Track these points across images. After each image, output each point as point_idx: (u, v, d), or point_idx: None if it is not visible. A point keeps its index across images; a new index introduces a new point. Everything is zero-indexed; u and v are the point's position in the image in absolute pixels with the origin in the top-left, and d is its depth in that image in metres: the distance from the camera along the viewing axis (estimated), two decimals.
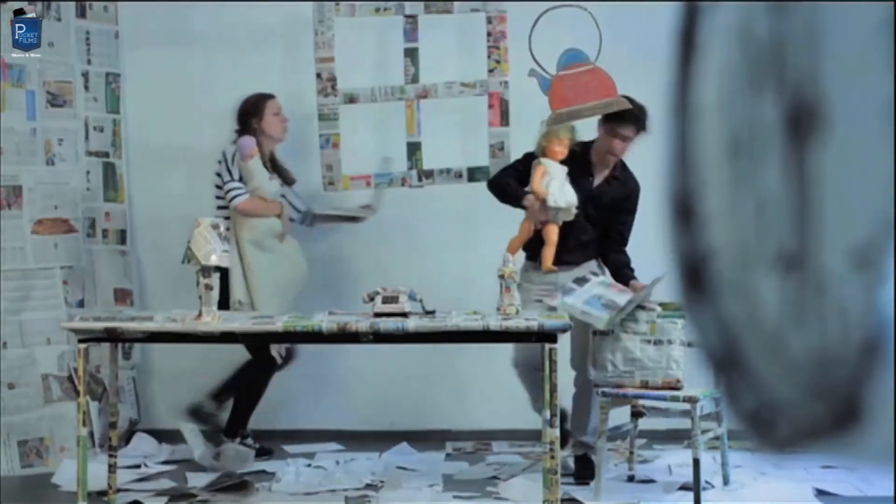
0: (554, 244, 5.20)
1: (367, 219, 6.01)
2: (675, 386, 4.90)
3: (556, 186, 5.17)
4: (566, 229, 5.25)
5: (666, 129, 0.87)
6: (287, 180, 5.85)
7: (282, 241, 5.70)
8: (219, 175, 5.65)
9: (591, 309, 5.00)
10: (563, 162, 5.23)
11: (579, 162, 5.30)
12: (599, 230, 5.38)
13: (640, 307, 5.01)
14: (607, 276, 5.26)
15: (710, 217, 0.84)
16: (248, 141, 5.58)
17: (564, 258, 5.26)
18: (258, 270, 5.56)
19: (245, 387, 5.74)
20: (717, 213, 0.84)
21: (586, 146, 5.36)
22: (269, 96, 5.76)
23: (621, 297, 5.03)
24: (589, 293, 5.08)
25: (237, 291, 5.53)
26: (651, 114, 5.11)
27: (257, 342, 5.21)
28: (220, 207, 5.64)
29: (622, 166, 5.38)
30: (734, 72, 0.82)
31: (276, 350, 5.68)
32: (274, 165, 5.78)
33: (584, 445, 5.34)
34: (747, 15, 0.81)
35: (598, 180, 5.36)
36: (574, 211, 5.19)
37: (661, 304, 5.20)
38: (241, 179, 5.57)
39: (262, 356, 5.66)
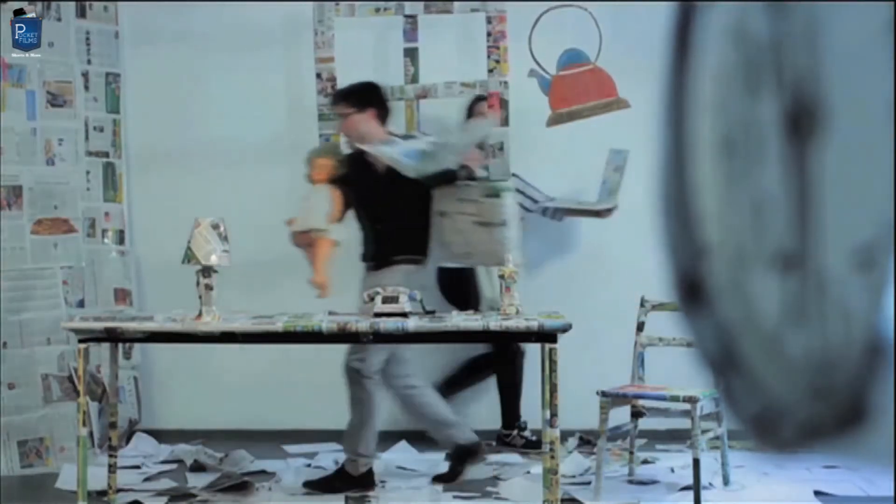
0: (321, 258, 5.15)
1: (610, 213, 5.80)
2: (504, 264, 4.74)
3: (304, 209, 5.19)
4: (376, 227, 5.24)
5: (661, 128, 0.87)
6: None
7: None
8: None
9: (405, 158, 4.97)
10: (348, 176, 5.24)
11: (360, 165, 5.26)
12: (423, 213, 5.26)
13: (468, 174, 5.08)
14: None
15: (705, 217, 0.84)
16: None
17: (370, 258, 5.18)
18: None
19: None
20: (712, 212, 0.83)
21: (353, 155, 5.33)
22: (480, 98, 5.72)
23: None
24: (415, 147, 5.08)
25: (486, 288, 5.86)
26: (650, 113, 5.10)
27: (257, 342, 5.19)
28: None
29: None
30: (729, 71, 0.82)
31: None
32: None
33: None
34: (743, 15, 0.81)
35: (379, 167, 5.24)
36: (320, 226, 5.13)
37: (659, 305, 5.20)
38: None
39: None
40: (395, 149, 5.03)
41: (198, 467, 5.60)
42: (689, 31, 0.84)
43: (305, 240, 5.20)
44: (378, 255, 5.18)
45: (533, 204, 5.89)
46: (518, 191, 5.75)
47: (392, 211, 5.16)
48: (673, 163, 0.86)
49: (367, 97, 5.28)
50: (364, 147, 5.11)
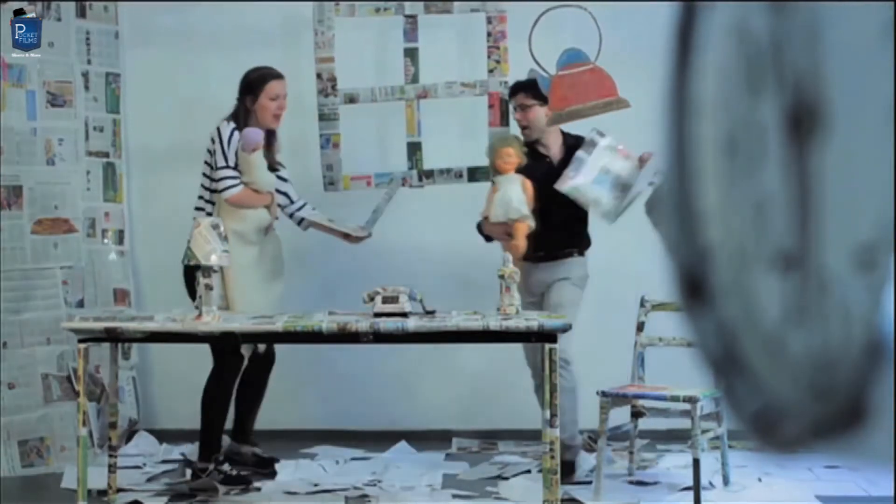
0: (519, 238, 5.16)
1: (361, 240, 5.57)
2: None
3: (501, 199, 5.21)
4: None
5: (662, 128, 0.87)
6: (272, 166, 5.36)
7: (266, 234, 5.28)
8: (211, 153, 5.22)
9: (601, 193, 5.10)
10: (527, 166, 5.28)
11: (534, 157, 5.36)
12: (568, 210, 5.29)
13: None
14: (611, 139, 5.23)
15: (707, 216, 0.84)
16: (255, 134, 5.13)
17: (539, 250, 5.23)
18: (239, 265, 5.06)
19: (209, 399, 5.25)
20: (714, 212, 0.83)
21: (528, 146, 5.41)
22: (275, 76, 5.33)
23: (627, 166, 5.15)
24: (597, 166, 5.15)
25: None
26: (651, 113, 5.10)
27: (256, 342, 5.19)
28: (206, 188, 5.27)
29: (568, 138, 5.44)
30: (731, 71, 0.82)
31: (246, 349, 5.28)
32: (267, 152, 5.29)
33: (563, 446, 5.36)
34: (744, 14, 0.81)
35: (555, 160, 5.39)
36: (524, 212, 5.15)
37: (659, 305, 5.21)
38: (236, 167, 5.16)
39: (226, 359, 5.23)
40: (589, 177, 5.13)
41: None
42: (690, 31, 0.84)
43: (502, 230, 5.24)
44: (546, 248, 5.24)
45: (287, 202, 5.51)
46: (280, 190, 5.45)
47: (561, 203, 5.18)
48: (675, 162, 0.86)
49: None
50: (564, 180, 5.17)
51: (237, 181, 5.14)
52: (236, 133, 5.20)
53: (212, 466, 5.16)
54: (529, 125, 5.40)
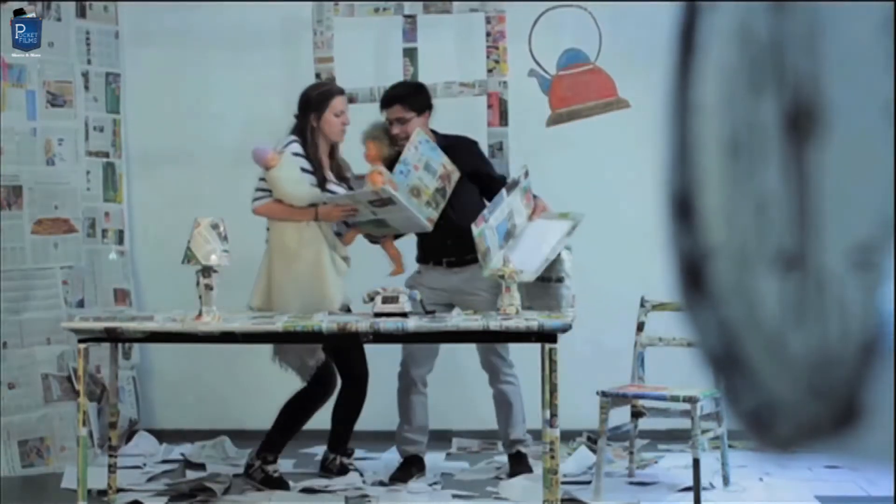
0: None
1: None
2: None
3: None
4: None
5: (665, 128, 0.87)
6: (341, 177, 5.25)
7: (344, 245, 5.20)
8: None
9: (494, 244, 4.88)
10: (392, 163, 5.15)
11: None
12: (472, 207, 5.10)
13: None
14: (528, 182, 5.02)
15: (709, 216, 0.84)
16: (261, 153, 5.05)
17: (446, 255, 5.20)
18: (278, 278, 5.06)
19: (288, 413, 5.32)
20: (716, 212, 0.84)
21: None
22: (338, 91, 5.27)
23: (523, 215, 4.97)
24: (507, 209, 4.95)
25: (253, 296, 5.10)
26: (651, 113, 5.09)
27: (255, 342, 5.18)
28: None
29: (440, 138, 5.25)
30: (734, 71, 0.82)
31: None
32: (332, 164, 5.22)
33: (515, 444, 5.38)
34: (747, 15, 0.81)
35: None
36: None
37: (659, 305, 5.22)
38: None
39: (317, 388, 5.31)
40: (495, 223, 4.91)
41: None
42: (693, 32, 0.84)
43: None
44: (451, 253, 5.14)
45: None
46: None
47: (459, 210, 5.10)
48: (678, 162, 0.86)
49: (424, 100, 5.25)
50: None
51: (263, 194, 5.09)
52: (290, 146, 5.12)
53: (258, 463, 5.23)
54: (403, 138, 5.14)
